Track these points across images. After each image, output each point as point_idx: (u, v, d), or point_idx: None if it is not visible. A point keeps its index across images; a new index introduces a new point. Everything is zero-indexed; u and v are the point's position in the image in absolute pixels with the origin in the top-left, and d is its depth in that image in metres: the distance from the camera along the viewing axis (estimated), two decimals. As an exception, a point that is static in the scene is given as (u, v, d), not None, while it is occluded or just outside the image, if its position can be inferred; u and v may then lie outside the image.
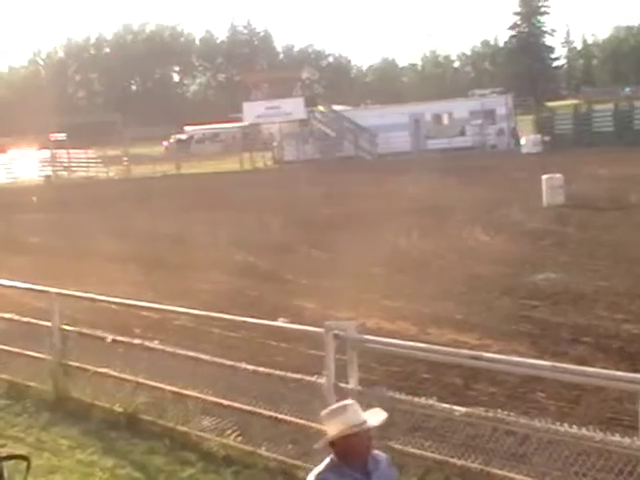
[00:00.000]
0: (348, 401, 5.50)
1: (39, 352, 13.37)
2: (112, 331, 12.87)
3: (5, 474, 7.05)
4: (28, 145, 72.46)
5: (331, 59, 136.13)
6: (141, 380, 11.89)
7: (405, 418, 9.37)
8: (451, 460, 8.79)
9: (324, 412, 5.36)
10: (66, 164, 63.10)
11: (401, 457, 9.16)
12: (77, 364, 12.82)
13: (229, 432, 10.59)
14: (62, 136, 67.45)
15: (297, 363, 11.78)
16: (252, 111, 62.89)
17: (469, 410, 8.92)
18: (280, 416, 10.17)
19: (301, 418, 9.96)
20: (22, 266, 17.37)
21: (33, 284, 14.56)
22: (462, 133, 61.04)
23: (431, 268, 21.74)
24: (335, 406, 5.44)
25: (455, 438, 9.21)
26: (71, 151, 64.03)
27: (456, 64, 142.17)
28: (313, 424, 9.84)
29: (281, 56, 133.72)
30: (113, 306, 14.48)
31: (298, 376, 10.33)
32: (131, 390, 11.93)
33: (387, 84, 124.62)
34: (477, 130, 60.31)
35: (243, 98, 64.75)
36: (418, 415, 9.30)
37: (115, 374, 12.26)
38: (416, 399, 9.06)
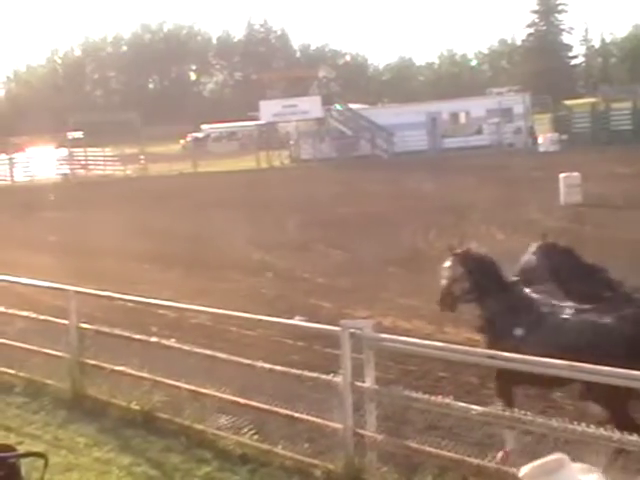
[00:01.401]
0: (559, 455, 3.43)
1: (56, 350, 13.42)
2: (129, 329, 12.93)
3: (22, 471, 7.08)
4: (46, 144, 72.68)
5: (348, 58, 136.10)
6: (158, 378, 11.92)
7: (421, 417, 9.37)
8: (467, 459, 8.78)
9: (529, 469, 3.52)
10: (83, 162, 63.24)
11: (417, 456, 9.17)
12: (94, 362, 12.86)
13: (245, 430, 10.60)
14: (79, 134, 67.64)
15: (313, 362, 11.79)
16: (269, 110, 62.90)
17: (486, 409, 8.91)
18: (296, 414, 10.17)
19: (317, 417, 9.97)
20: (40, 264, 17.44)
21: (51, 282, 14.64)
22: (479, 132, 60.86)
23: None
24: (545, 462, 3.49)
25: (471, 437, 9.21)
26: (88, 149, 64.17)
27: (473, 62, 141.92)
28: (329, 423, 9.84)
29: (298, 55, 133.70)
30: (130, 304, 14.54)
31: (314, 375, 10.33)
32: (148, 388, 11.96)
33: (404, 83, 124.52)
34: (494, 129, 60.11)
35: (260, 97, 64.76)
36: (434, 414, 9.30)
37: (132, 372, 12.30)
38: (432, 398, 9.05)
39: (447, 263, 10.75)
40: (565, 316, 9.36)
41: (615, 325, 8.99)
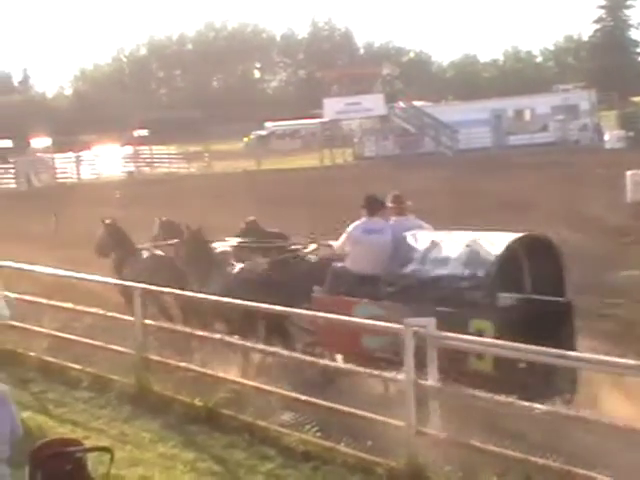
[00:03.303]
0: None
1: (122, 346, 13.58)
2: (195, 327, 13.08)
3: (89, 466, 7.18)
4: (112, 142, 73.51)
5: (412, 55, 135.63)
6: (221, 375, 12.01)
7: (484, 416, 9.32)
8: (532, 459, 8.71)
9: None
10: (148, 160, 63.81)
11: (480, 455, 9.13)
12: (158, 358, 13.00)
13: (308, 427, 10.63)
14: (145, 132, 68.26)
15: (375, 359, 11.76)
16: (332, 107, 62.90)
17: (550, 408, 8.84)
18: (359, 412, 10.18)
19: (380, 414, 9.97)
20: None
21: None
22: (544, 129, 60.31)
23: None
24: None
25: (535, 436, 9.14)
26: (153, 147, 64.76)
27: (538, 59, 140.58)
28: (392, 420, 9.84)
29: (361, 52, 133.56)
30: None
31: (377, 372, 10.33)
32: (211, 384, 12.05)
33: (468, 79, 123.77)
34: (559, 126, 59.52)
35: (323, 94, 64.81)
36: (498, 413, 9.25)
37: (196, 368, 12.40)
38: (496, 397, 9.00)
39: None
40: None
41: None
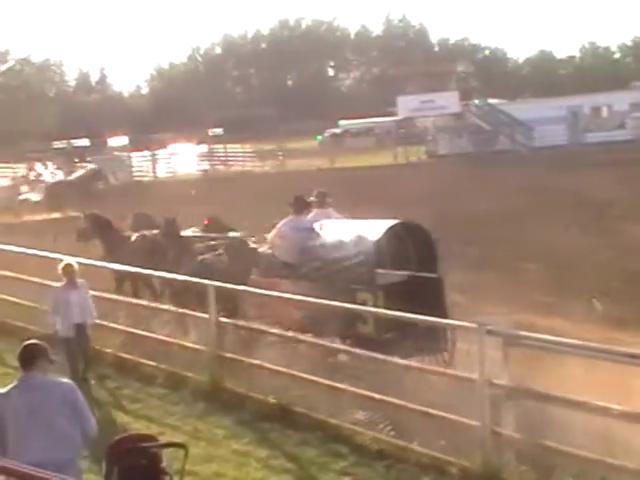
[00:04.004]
0: None
1: (196, 343, 13.70)
2: (267, 325, 13.14)
3: (164, 461, 7.24)
4: (187, 140, 74.13)
5: (487, 52, 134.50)
6: (294, 372, 12.04)
7: (559, 417, 9.23)
8: (607, 460, 8.60)
9: None
10: (223, 158, 64.18)
11: (555, 456, 9.03)
12: (232, 355, 13.07)
13: (381, 426, 10.61)
14: (219, 131, 68.68)
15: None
16: (406, 105, 62.70)
17: (625, 409, 8.72)
18: (432, 411, 10.14)
19: (453, 413, 9.91)
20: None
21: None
22: (621, 126, 59.40)
23: (586, 264, 21.31)
24: None
25: (611, 437, 9.02)
26: (228, 145, 65.14)
27: (616, 55, 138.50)
28: (465, 420, 9.78)
29: (436, 49, 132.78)
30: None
31: (451, 371, 10.29)
32: (284, 382, 12.09)
33: (544, 76, 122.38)
34: (637, 123, 58.58)
35: (397, 92, 64.60)
36: (573, 413, 9.14)
37: (269, 366, 12.45)
38: (570, 397, 8.90)
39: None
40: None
41: None
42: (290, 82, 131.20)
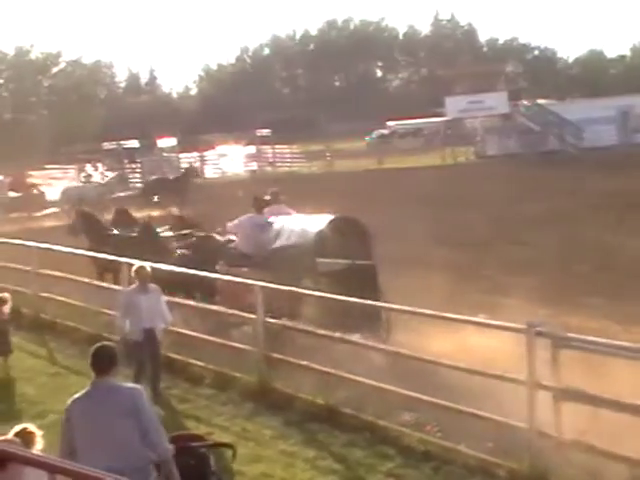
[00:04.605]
0: None
1: (244, 344, 13.75)
2: (308, 324, 13.18)
3: (212, 461, 7.30)
4: (235, 141, 74.40)
5: (536, 52, 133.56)
6: (342, 374, 12.06)
7: (608, 419, 9.16)
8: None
9: None
10: (270, 159, 64.35)
11: (605, 458, 8.97)
12: (280, 356, 13.11)
13: (429, 427, 10.60)
14: (267, 132, 68.88)
15: (493, 360, 11.67)
16: (455, 105, 62.48)
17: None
18: (480, 413, 10.11)
19: (501, 415, 9.88)
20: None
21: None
22: (673, 126, 58.77)
23: (636, 265, 21.11)
24: None
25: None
26: (275, 146, 65.29)
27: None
28: (514, 422, 9.74)
29: (485, 49, 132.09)
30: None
31: (499, 372, 10.25)
32: (332, 383, 12.11)
33: (594, 76, 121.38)
34: (689, 124, 57.96)
35: (445, 92, 64.40)
36: (623, 416, 9.07)
37: (317, 367, 12.47)
38: (621, 399, 8.84)
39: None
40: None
41: None
42: (338, 83, 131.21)
